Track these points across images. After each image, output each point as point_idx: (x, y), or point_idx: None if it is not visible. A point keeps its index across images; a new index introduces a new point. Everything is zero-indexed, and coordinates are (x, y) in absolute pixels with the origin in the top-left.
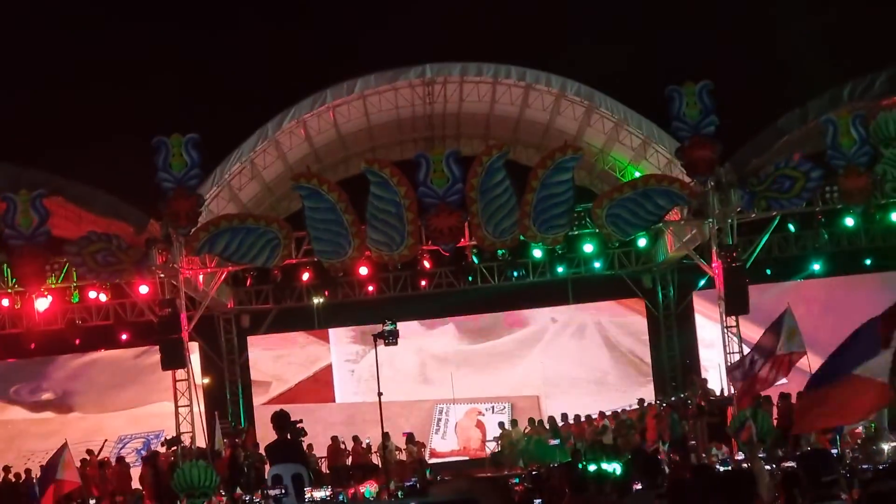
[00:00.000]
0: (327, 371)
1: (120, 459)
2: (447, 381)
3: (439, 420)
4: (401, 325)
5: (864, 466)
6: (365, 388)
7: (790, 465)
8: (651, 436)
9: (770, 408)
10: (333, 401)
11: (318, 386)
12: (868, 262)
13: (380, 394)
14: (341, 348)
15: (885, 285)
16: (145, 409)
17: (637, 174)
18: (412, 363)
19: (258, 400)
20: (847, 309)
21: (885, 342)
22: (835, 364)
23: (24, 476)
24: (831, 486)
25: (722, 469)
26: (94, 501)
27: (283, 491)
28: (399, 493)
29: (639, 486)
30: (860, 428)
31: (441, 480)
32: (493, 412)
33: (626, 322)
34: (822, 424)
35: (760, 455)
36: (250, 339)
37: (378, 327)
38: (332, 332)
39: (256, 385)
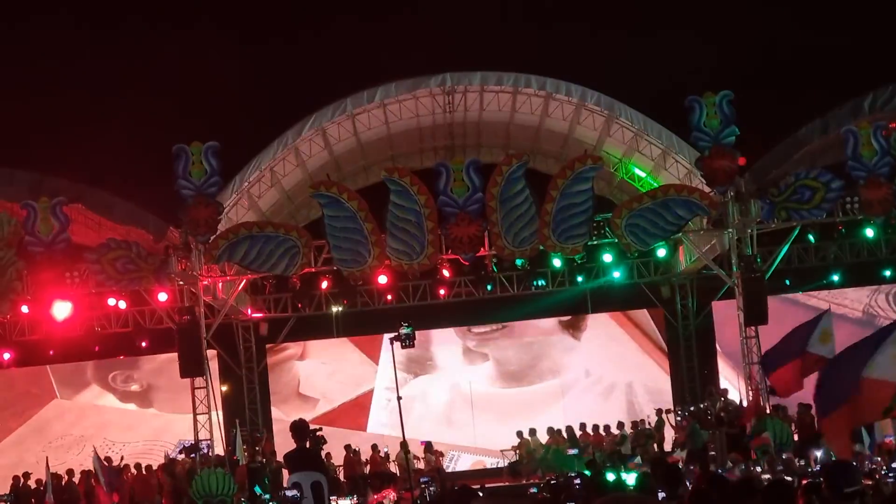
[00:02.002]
0: (368, 396)
1: (138, 466)
2: (469, 425)
3: (447, 467)
4: (445, 357)
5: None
6: (394, 421)
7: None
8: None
9: (788, 418)
10: (365, 430)
11: (356, 411)
12: (888, 273)
13: (399, 398)
14: (387, 374)
15: None
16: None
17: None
18: (443, 401)
19: (301, 415)
20: None
21: None
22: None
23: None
24: (853, 497)
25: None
26: None
27: (301, 492)
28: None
29: (662, 495)
30: (891, 439)
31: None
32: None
33: (657, 388)
34: (849, 428)
35: (780, 467)
36: (307, 348)
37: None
38: (383, 354)
39: (304, 400)
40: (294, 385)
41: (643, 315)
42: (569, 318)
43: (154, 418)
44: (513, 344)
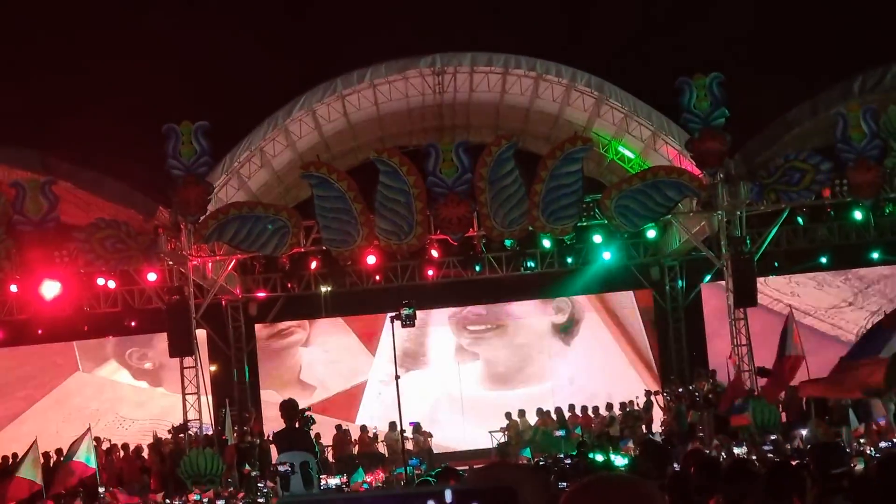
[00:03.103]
0: (360, 388)
1: (126, 446)
2: (452, 425)
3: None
4: (438, 353)
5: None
6: (383, 415)
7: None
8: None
9: (776, 400)
10: (354, 420)
11: (348, 401)
12: (876, 255)
13: (397, 377)
14: (382, 367)
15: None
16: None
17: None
18: (430, 400)
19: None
20: None
21: None
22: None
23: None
24: (841, 478)
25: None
26: (102, 488)
27: (291, 468)
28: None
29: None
30: (883, 421)
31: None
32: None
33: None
34: (834, 394)
35: (766, 447)
36: (312, 334)
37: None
38: (381, 344)
39: (303, 386)
40: (296, 371)
41: (636, 321)
42: (563, 321)
43: (162, 397)
44: (505, 344)
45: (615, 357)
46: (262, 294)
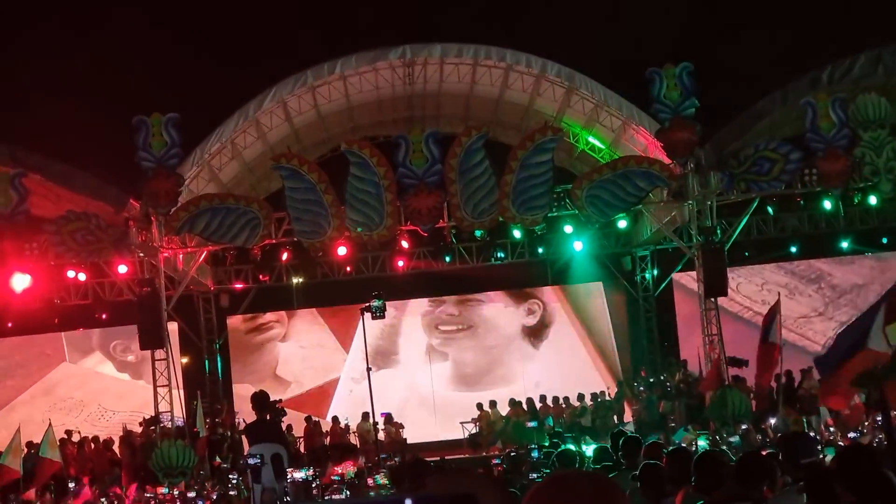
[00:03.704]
0: (333, 384)
1: (96, 439)
2: (418, 426)
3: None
4: (409, 352)
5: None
6: (355, 412)
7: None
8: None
9: (747, 390)
10: (325, 417)
11: (320, 397)
12: (845, 244)
13: (369, 369)
14: (354, 364)
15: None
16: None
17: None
18: (397, 399)
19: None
20: None
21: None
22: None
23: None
24: (810, 468)
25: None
26: (73, 483)
27: (261, 460)
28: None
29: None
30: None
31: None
32: None
33: None
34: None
35: (732, 439)
36: (290, 330)
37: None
38: (355, 343)
39: (278, 381)
40: (273, 366)
41: (606, 323)
42: (533, 324)
43: (143, 390)
44: (474, 346)
45: (583, 363)
46: (239, 286)
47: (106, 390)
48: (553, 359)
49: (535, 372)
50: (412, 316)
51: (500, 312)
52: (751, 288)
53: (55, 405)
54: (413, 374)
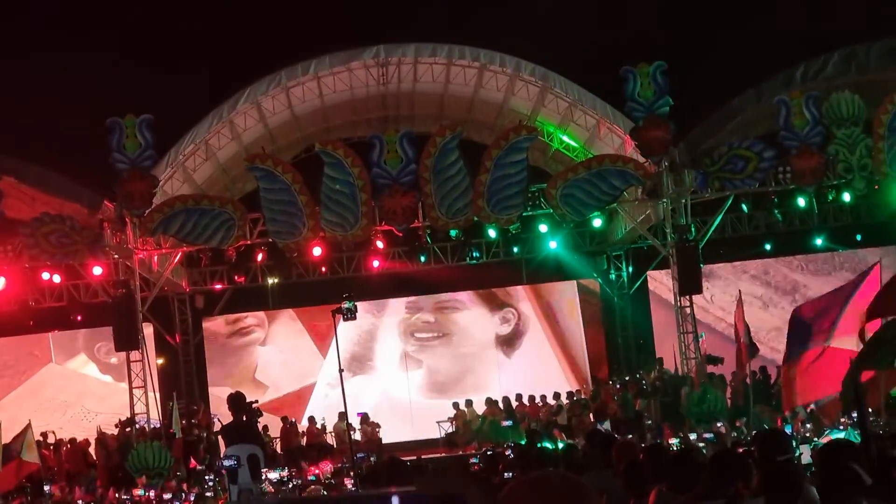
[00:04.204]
0: (309, 389)
1: (73, 440)
2: (389, 433)
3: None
4: (384, 358)
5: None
6: (331, 415)
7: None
8: (604, 415)
9: (724, 387)
10: (300, 421)
11: (296, 401)
12: (819, 241)
13: (341, 371)
14: (330, 370)
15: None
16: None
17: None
18: (373, 404)
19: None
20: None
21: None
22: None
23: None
24: (786, 465)
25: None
26: (47, 486)
27: (237, 462)
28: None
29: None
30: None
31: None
32: None
33: None
34: (810, 397)
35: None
36: (270, 334)
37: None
38: (332, 348)
39: (256, 385)
40: (252, 370)
41: (578, 329)
42: (507, 333)
43: (125, 392)
44: (448, 353)
45: (554, 373)
46: (217, 287)
47: (89, 392)
48: (525, 369)
49: (506, 381)
50: (389, 322)
51: (475, 321)
52: (725, 299)
53: (41, 405)
54: (388, 380)
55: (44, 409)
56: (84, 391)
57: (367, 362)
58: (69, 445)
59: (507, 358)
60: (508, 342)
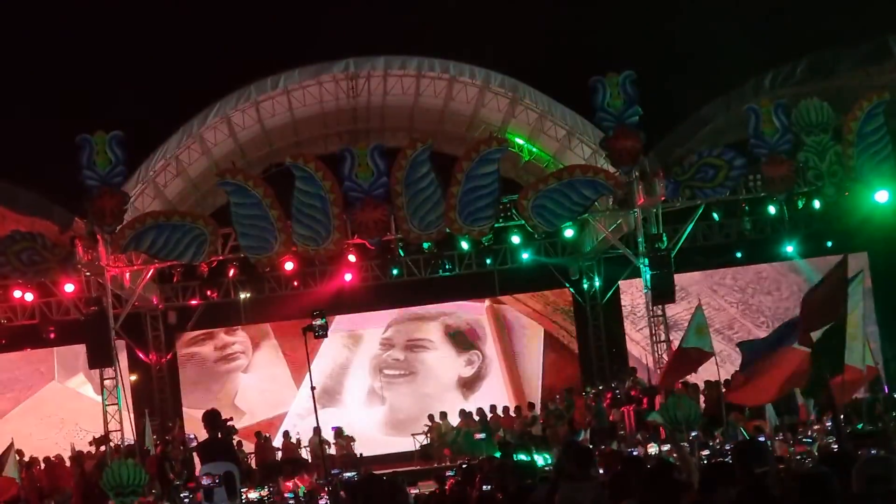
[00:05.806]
0: (281, 418)
1: (47, 459)
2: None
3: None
4: (352, 393)
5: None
6: (304, 432)
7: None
8: (578, 426)
9: (697, 395)
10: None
11: (269, 429)
12: (790, 248)
13: (313, 388)
14: (301, 402)
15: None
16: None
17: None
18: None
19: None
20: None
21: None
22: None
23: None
24: (763, 477)
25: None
26: None
27: (216, 480)
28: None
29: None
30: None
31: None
32: None
33: None
34: (755, 400)
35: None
36: (253, 362)
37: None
38: (306, 381)
39: (234, 411)
40: (232, 395)
41: (536, 379)
42: (469, 375)
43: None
44: (411, 392)
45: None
46: (193, 302)
47: (83, 411)
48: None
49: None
50: (361, 358)
51: (441, 360)
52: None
53: (41, 422)
54: (354, 414)
55: (44, 426)
56: (80, 409)
57: (337, 396)
58: (43, 465)
59: (465, 400)
60: (469, 385)
